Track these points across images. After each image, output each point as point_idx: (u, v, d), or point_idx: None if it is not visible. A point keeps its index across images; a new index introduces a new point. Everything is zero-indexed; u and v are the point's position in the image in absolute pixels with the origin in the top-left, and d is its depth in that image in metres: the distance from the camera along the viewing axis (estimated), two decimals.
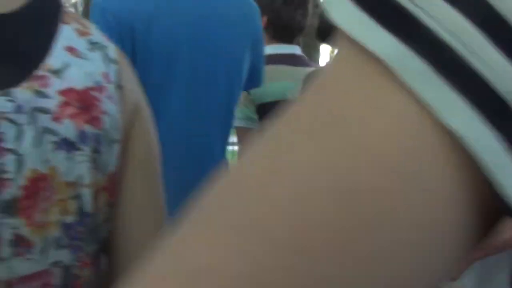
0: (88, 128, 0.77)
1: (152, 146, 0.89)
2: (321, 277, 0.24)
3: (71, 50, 0.79)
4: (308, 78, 1.65)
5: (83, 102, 0.77)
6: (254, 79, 1.76)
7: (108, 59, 0.82)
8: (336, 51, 0.27)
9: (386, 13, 0.24)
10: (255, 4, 1.75)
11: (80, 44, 0.80)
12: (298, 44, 2.24)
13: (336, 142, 0.24)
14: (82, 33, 0.81)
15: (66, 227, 0.78)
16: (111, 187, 0.82)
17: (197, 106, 1.58)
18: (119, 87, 0.83)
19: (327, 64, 0.28)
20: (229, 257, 0.25)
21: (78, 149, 0.77)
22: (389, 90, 0.24)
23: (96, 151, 0.79)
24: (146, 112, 0.88)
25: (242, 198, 0.26)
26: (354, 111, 0.25)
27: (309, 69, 2.19)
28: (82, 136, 0.77)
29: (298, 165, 0.25)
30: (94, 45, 0.82)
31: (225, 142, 1.67)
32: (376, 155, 0.24)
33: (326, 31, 1.81)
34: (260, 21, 1.77)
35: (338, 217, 0.24)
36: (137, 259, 0.85)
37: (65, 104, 0.76)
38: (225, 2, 1.67)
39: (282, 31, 2.15)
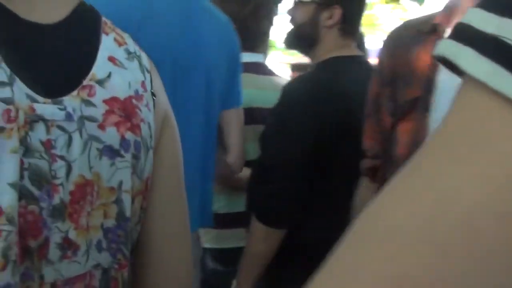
0: (129, 136, 0.81)
1: (178, 151, 0.93)
2: (488, 280, 0.30)
3: (112, 60, 0.82)
4: (286, 88, 1.71)
5: (125, 110, 0.80)
6: (236, 96, 1.82)
7: (143, 68, 0.86)
8: (464, 97, 0.33)
9: None
10: (230, 23, 1.80)
11: (120, 53, 0.83)
12: (261, 52, 2.30)
13: (499, 174, 0.30)
14: (120, 43, 0.84)
15: (107, 230, 0.80)
16: (145, 192, 0.85)
17: (178, 117, 1.61)
18: (153, 95, 0.86)
19: (459, 108, 0.33)
20: (420, 267, 0.30)
21: (120, 155, 0.80)
22: None
23: (135, 157, 0.82)
24: (173, 119, 0.92)
25: (420, 217, 0.31)
26: (502, 144, 0.30)
27: (273, 78, 2.26)
28: (124, 143, 0.80)
29: (465, 187, 0.30)
30: (130, 54, 0.85)
31: (209, 155, 1.71)
32: None
33: (295, 39, 1.89)
34: (237, 42, 1.82)
35: (499, 232, 0.29)
36: (163, 260, 0.89)
37: (109, 112, 0.79)
38: (203, 15, 1.71)
39: (249, 40, 2.20)
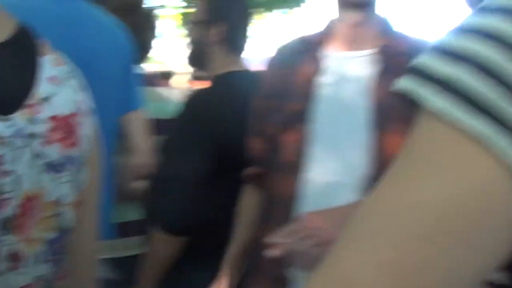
0: (71, 151, 0.85)
1: (101, 162, 0.97)
2: (446, 264, 0.38)
3: (53, 79, 0.85)
4: (188, 101, 1.78)
5: (67, 127, 0.85)
6: (133, 100, 1.85)
7: (80, 87, 0.90)
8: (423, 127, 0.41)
9: (478, 105, 0.38)
10: (122, 31, 1.83)
11: (59, 73, 0.87)
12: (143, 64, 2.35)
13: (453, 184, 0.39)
14: (58, 63, 0.88)
15: (50, 242, 0.84)
16: (80, 202, 0.90)
17: None
18: (90, 112, 0.91)
19: (421, 133, 0.41)
20: (407, 253, 0.38)
21: (63, 170, 0.84)
22: (481, 157, 0.38)
23: (76, 171, 0.86)
24: (99, 135, 0.97)
25: (400, 215, 0.39)
26: (456, 165, 0.39)
27: (159, 89, 2.32)
28: (67, 158, 0.84)
29: (435, 192, 0.39)
30: (68, 74, 0.89)
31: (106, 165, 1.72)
32: (479, 194, 0.38)
33: (193, 57, 1.97)
34: (130, 49, 1.86)
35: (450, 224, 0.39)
36: (87, 261, 0.94)
37: (54, 129, 0.83)
38: (90, 24, 1.73)
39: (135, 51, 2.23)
